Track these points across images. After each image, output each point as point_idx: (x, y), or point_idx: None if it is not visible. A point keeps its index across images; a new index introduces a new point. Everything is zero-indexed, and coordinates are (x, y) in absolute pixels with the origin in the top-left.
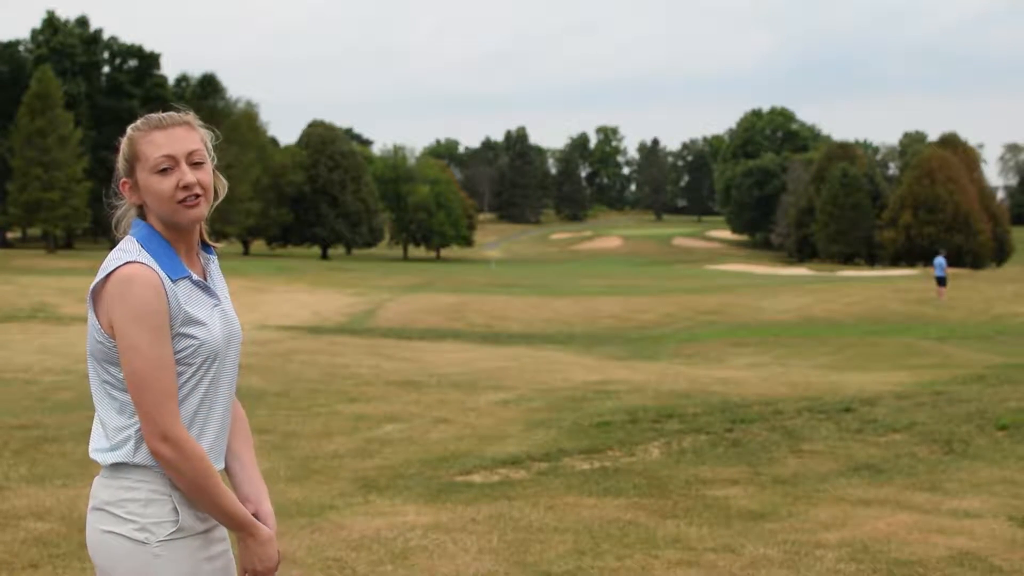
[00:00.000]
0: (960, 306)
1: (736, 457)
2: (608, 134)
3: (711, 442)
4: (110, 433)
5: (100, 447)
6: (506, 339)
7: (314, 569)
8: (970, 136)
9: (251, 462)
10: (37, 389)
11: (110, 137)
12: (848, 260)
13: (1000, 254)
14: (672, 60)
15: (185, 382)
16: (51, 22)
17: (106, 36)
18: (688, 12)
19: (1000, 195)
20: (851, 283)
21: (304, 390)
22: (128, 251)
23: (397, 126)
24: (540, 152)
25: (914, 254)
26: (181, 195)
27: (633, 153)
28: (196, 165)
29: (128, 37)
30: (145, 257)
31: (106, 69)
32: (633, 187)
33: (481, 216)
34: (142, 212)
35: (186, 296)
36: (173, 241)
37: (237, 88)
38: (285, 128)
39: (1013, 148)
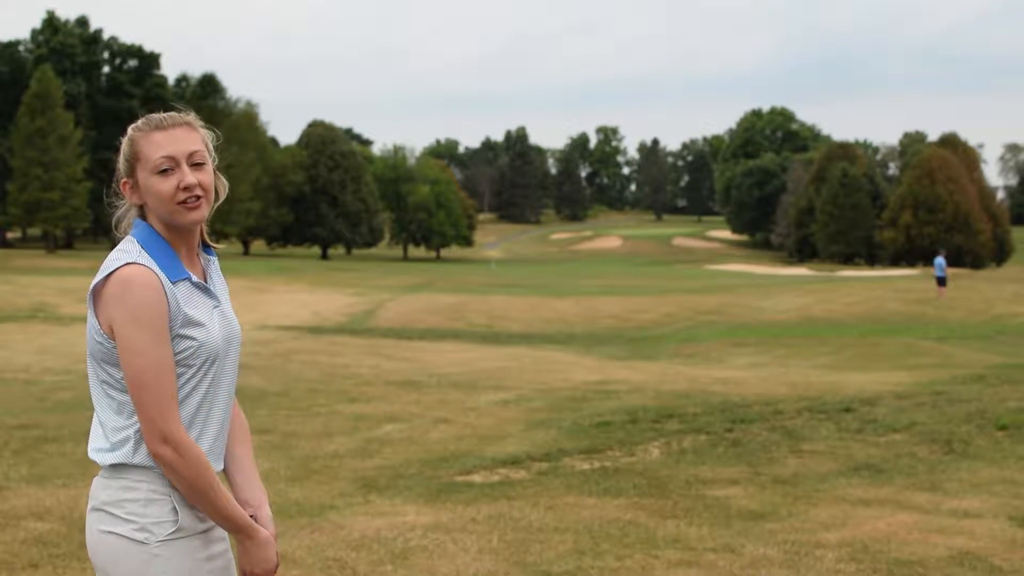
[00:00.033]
0: (960, 306)
1: (736, 457)
2: (608, 134)
3: (711, 442)
4: (109, 433)
5: (99, 447)
6: (506, 339)
7: (314, 569)
8: (970, 136)
9: (250, 466)
10: (37, 389)
11: (110, 137)
12: (848, 260)
13: (1000, 254)
14: (672, 60)
15: (184, 383)
16: (51, 22)
17: (106, 36)
18: (688, 12)
19: (1000, 195)
20: (851, 283)
21: (304, 390)
22: (128, 251)
23: (397, 126)
24: (540, 152)
25: (914, 254)
26: (182, 196)
27: (633, 153)
28: (197, 166)
29: (128, 37)
30: (145, 258)
31: (106, 69)
32: (633, 187)
33: (481, 216)
34: (143, 212)
35: (185, 298)
36: (173, 242)
37: (237, 88)
38: (285, 128)
39: (1013, 148)
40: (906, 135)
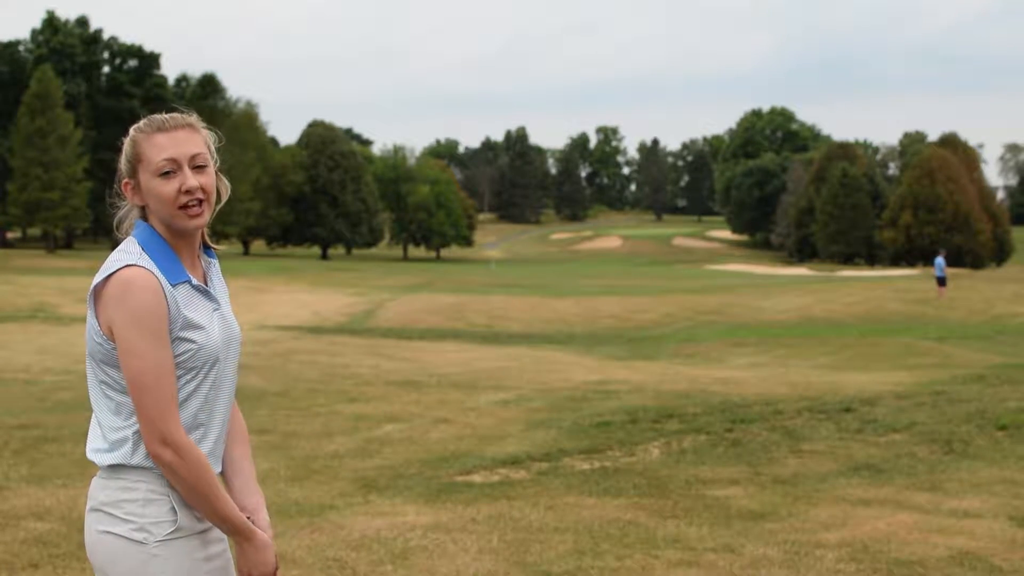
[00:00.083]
0: (960, 306)
1: (736, 457)
2: (608, 134)
3: (711, 442)
4: (107, 434)
5: (98, 448)
6: (506, 339)
7: (314, 569)
8: (970, 136)
9: (249, 471)
10: (37, 389)
11: (110, 137)
12: (848, 260)
13: (1000, 254)
14: (672, 60)
15: (185, 386)
16: (51, 22)
17: (106, 36)
18: (688, 12)
19: (1000, 195)
20: (851, 283)
21: (304, 390)
22: (129, 253)
23: (397, 126)
24: (540, 152)
25: (914, 254)
26: (183, 199)
27: (633, 153)
28: (199, 169)
29: (128, 37)
30: (145, 260)
31: (106, 69)
32: (633, 187)
33: (481, 216)
34: (144, 213)
35: (185, 300)
36: (175, 244)
37: (237, 88)
38: (285, 128)
39: (1013, 148)
40: (906, 135)
